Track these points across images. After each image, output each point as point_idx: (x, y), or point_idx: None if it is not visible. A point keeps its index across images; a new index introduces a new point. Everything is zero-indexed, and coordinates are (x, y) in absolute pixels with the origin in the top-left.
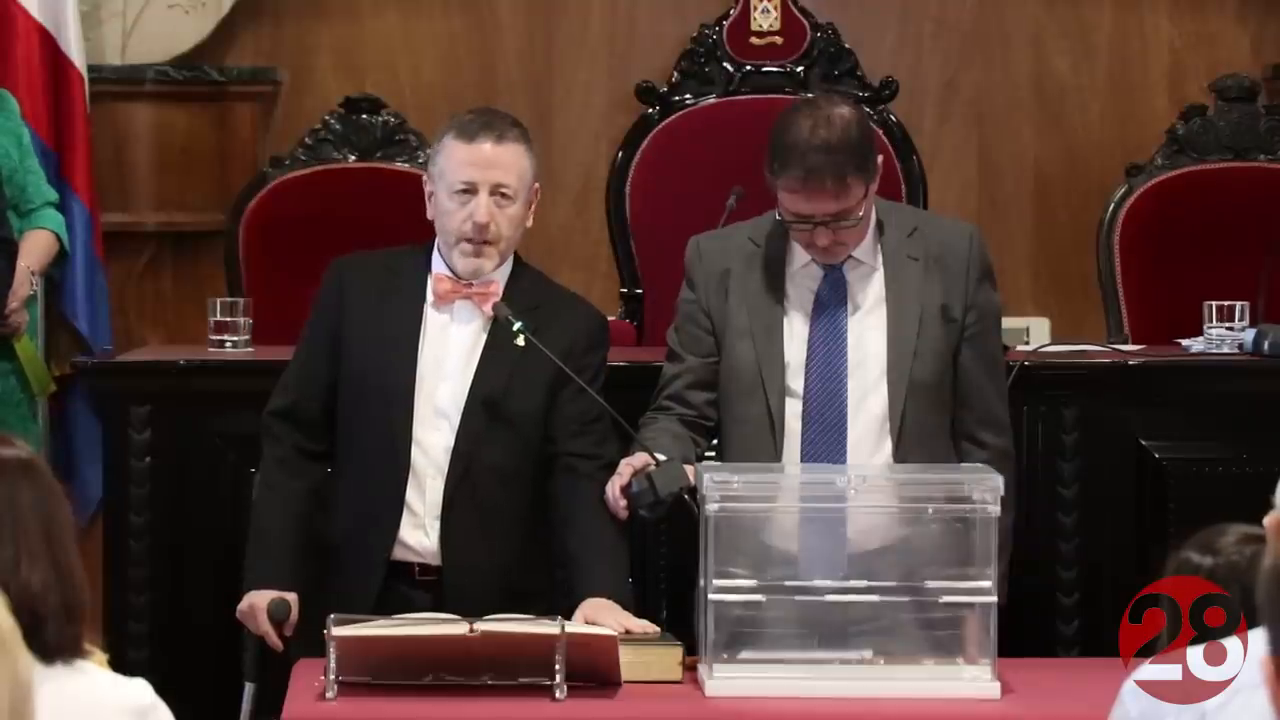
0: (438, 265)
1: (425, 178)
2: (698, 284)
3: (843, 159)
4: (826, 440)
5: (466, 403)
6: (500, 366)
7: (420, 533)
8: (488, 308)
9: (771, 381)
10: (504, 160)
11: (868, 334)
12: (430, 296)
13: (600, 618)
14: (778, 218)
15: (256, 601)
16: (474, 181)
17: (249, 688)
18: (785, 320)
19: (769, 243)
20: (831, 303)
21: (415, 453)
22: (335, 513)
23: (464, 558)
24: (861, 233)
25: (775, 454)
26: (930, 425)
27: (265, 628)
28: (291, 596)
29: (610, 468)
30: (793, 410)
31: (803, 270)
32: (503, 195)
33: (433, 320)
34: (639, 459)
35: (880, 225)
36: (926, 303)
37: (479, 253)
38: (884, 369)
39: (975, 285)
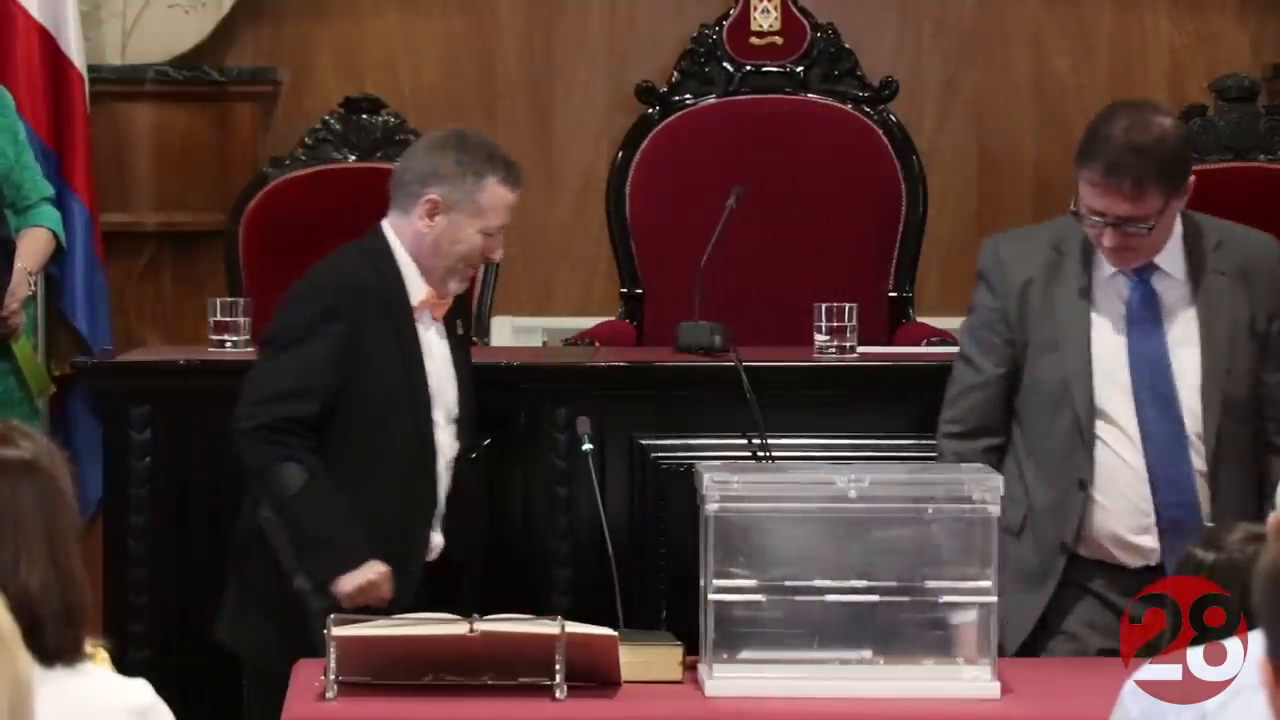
0: (411, 274)
1: (435, 196)
2: (998, 291)
3: (1148, 164)
4: (1169, 458)
5: (460, 403)
6: (462, 369)
7: (436, 531)
8: (438, 316)
9: (1080, 395)
10: None
11: (1180, 349)
12: (413, 306)
13: None
14: (1072, 209)
15: (382, 570)
16: (504, 225)
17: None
18: (1093, 332)
19: (1073, 250)
20: (1145, 317)
21: (438, 458)
22: (354, 518)
23: (457, 548)
24: (1154, 244)
25: (1089, 470)
26: (1242, 441)
27: (388, 595)
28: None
29: None
30: (1101, 425)
31: (1109, 280)
32: None
33: (419, 328)
34: None
35: (1187, 238)
36: (1237, 318)
37: (469, 279)
38: (1198, 385)
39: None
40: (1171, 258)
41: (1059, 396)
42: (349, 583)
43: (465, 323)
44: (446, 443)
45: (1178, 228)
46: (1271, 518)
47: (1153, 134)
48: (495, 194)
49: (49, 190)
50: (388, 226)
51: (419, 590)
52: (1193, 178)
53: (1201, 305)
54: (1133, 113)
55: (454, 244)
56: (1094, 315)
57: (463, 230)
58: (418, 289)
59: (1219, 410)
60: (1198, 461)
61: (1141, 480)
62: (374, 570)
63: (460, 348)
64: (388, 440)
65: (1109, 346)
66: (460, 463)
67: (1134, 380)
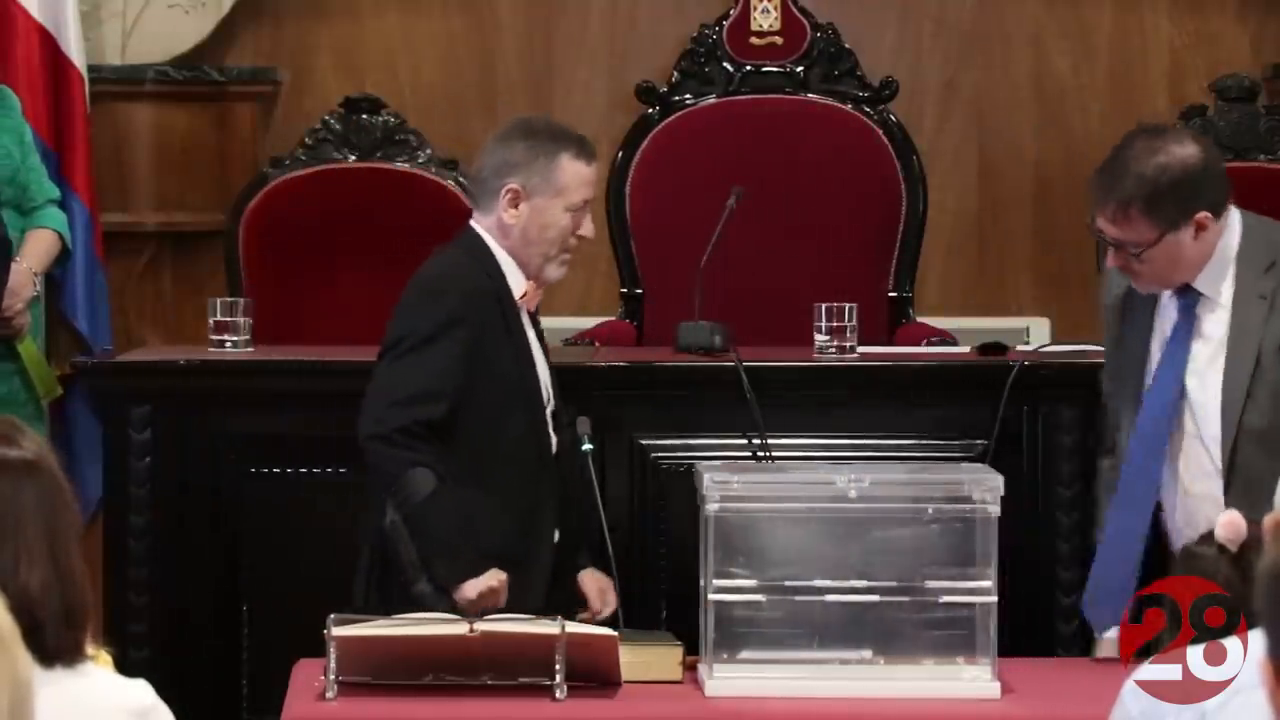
0: (511, 270)
1: (513, 185)
2: (1105, 304)
3: (1136, 192)
4: (1143, 477)
5: (553, 396)
6: (547, 363)
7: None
8: (531, 307)
9: (1126, 418)
10: None
11: (1210, 374)
12: (517, 297)
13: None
14: (1087, 222)
15: (502, 578)
16: (589, 200)
17: None
18: (1149, 354)
19: None
20: (1179, 338)
21: (553, 452)
22: (476, 523)
23: (547, 547)
24: (1157, 273)
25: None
26: (1263, 472)
27: (503, 602)
28: None
29: None
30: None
31: (1169, 302)
32: None
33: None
34: None
35: (1243, 259)
36: (1266, 342)
37: (568, 262)
38: (1219, 411)
39: None
40: (1214, 281)
41: (1129, 413)
42: (473, 589)
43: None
44: (550, 439)
45: (1232, 247)
46: (1268, 518)
47: (1156, 161)
48: (571, 169)
49: (55, 192)
50: (478, 226)
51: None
52: (1204, 214)
53: (1233, 329)
54: (1146, 138)
55: (543, 228)
56: (1151, 337)
57: (548, 212)
58: (518, 283)
59: (1234, 437)
60: (1216, 490)
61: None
62: (495, 577)
63: (540, 338)
64: (509, 439)
65: (1150, 367)
66: (566, 455)
67: (1143, 410)
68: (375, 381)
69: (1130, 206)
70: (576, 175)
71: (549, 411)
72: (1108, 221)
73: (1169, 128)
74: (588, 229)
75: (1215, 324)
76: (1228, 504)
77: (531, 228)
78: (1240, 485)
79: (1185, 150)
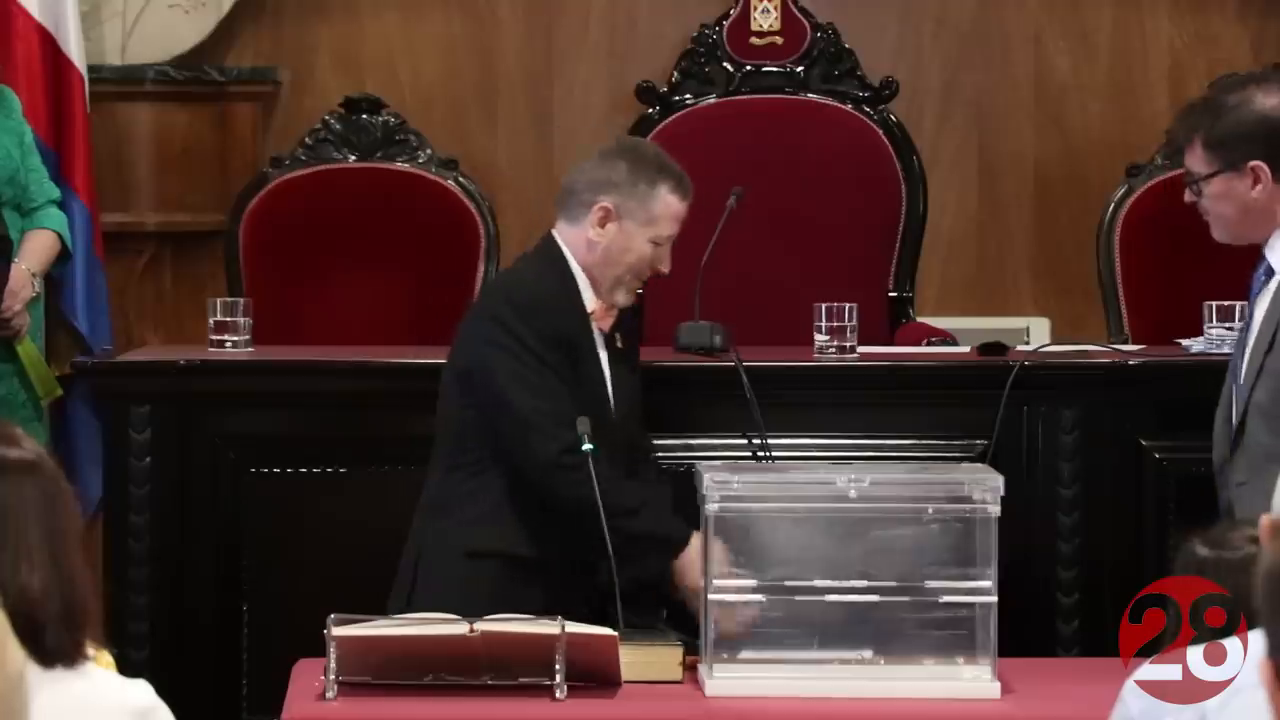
0: (585, 287)
1: (607, 204)
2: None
3: (1201, 122)
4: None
5: (619, 416)
6: (619, 385)
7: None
8: (605, 328)
9: (1225, 397)
10: None
11: (1252, 347)
12: (588, 321)
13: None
14: None
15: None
16: (674, 236)
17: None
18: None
19: None
20: (1249, 315)
21: None
22: (527, 528)
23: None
24: (1219, 216)
25: None
26: (1266, 447)
27: None
28: None
29: None
30: None
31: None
32: None
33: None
34: None
35: None
36: None
37: (636, 291)
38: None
39: None
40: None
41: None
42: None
43: (625, 338)
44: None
45: None
46: (1264, 519)
47: (1230, 99)
48: (666, 203)
49: (55, 193)
50: (559, 237)
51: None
52: (1259, 164)
53: (1273, 302)
54: (1240, 78)
55: (624, 253)
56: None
57: (633, 239)
58: (590, 299)
59: (1244, 410)
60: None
61: None
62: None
63: (617, 361)
64: None
65: None
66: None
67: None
68: (520, 408)
69: (1195, 135)
70: (669, 209)
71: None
72: (1184, 150)
73: (1272, 74)
74: (666, 265)
75: (1270, 298)
76: (1229, 474)
77: (614, 249)
78: (1245, 459)
79: (1267, 98)
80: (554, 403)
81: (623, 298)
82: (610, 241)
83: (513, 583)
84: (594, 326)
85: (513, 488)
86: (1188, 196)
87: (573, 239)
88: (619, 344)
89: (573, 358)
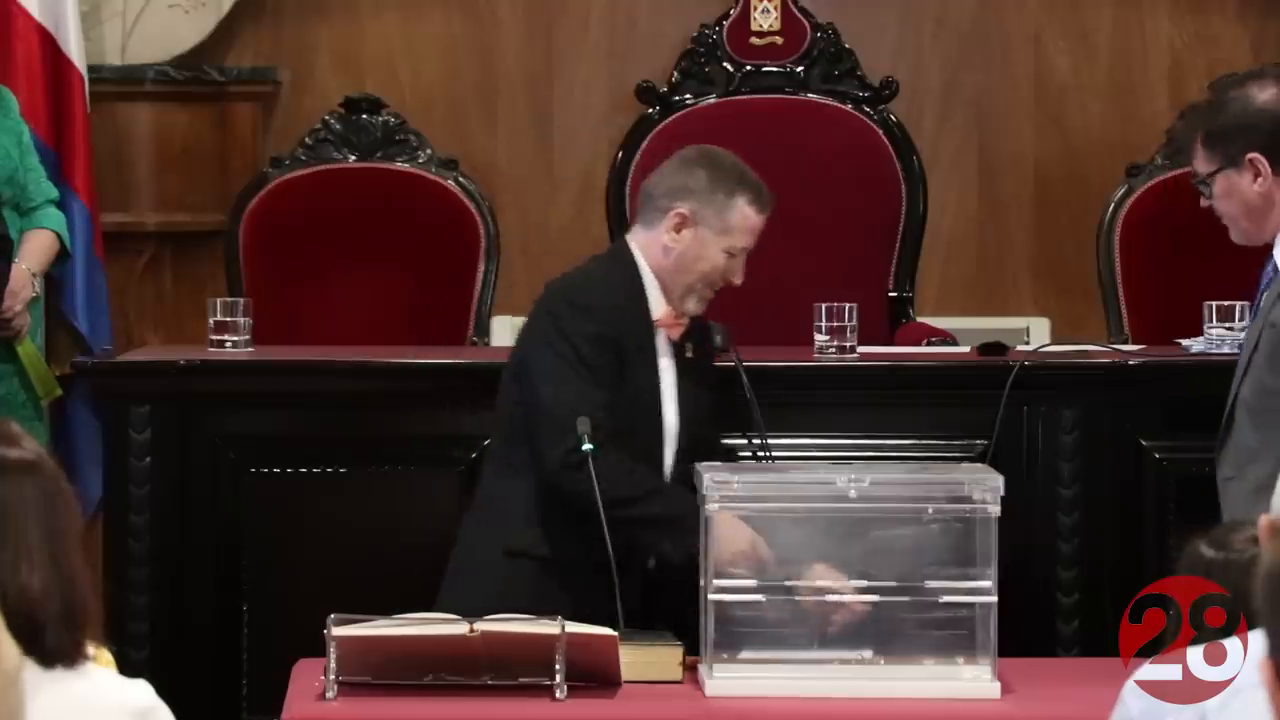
0: (653, 291)
1: (684, 210)
2: None
3: (1200, 122)
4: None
5: (680, 426)
6: (684, 394)
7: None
8: (674, 336)
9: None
10: None
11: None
12: (654, 319)
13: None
14: None
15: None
16: (749, 248)
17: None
18: None
19: None
20: (1253, 310)
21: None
22: (559, 528)
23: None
24: (1229, 215)
25: None
26: (1246, 445)
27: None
28: None
29: None
30: None
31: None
32: None
33: (657, 346)
34: None
35: None
36: (1274, 313)
37: (709, 300)
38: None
39: None
40: None
41: None
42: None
43: (697, 348)
44: (667, 462)
45: None
46: (1263, 519)
47: (1226, 97)
48: (744, 214)
49: (53, 193)
50: (632, 241)
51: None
52: (1256, 155)
53: (1266, 296)
54: (1239, 76)
55: (697, 260)
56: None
57: (708, 247)
58: (658, 305)
59: (1232, 404)
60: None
61: None
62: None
63: (685, 372)
64: (627, 450)
65: None
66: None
67: None
68: (546, 404)
69: (1195, 136)
70: (746, 221)
71: (671, 438)
72: (1190, 154)
73: (1268, 69)
74: (738, 277)
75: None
76: (1219, 470)
77: (688, 256)
78: (1231, 455)
79: (1261, 92)
80: (581, 403)
81: (693, 305)
82: (685, 248)
83: (548, 583)
84: (659, 334)
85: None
86: (1203, 201)
87: (647, 244)
88: (689, 354)
89: (623, 361)
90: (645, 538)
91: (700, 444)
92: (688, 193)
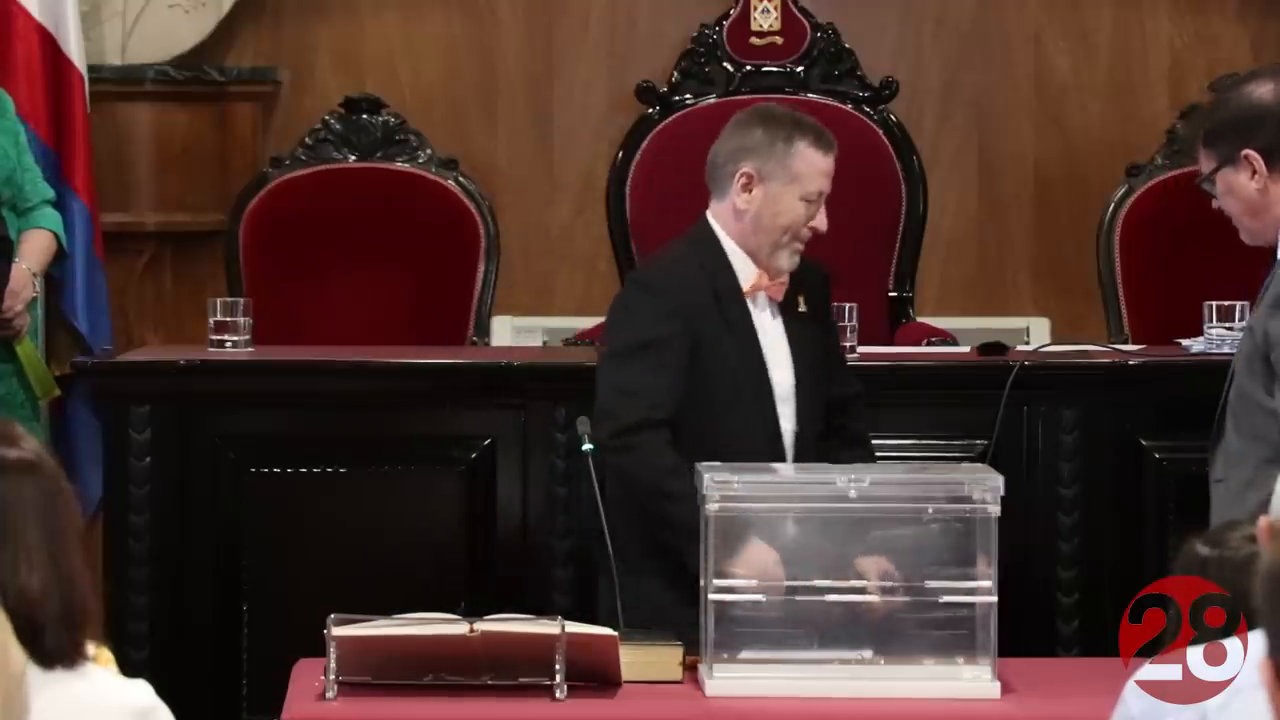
0: (739, 260)
1: (748, 169)
2: None
3: (1201, 121)
4: None
5: (796, 387)
6: (803, 349)
7: None
8: (777, 296)
9: None
10: None
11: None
12: (744, 290)
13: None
14: None
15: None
16: (824, 192)
17: None
18: None
19: None
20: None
21: (783, 440)
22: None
23: None
24: (1234, 214)
25: None
26: (1231, 441)
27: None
28: None
29: None
30: None
31: None
32: None
33: (753, 312)
34: None
35: None
36: (1259, 312)
37: (801, 251)
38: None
39: (1267, 309)
40: None
41: None
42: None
43: (810, 298)
44: (788, 426)
45: None
46: (1263, 520)
47: (1227, 94)
48: (807, 157)
49: (50, 193)
50: (711, 215)
51: None
52: (1250, 152)
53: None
54: (1244, 75)
55: (775, 215)
56: None
57: (781, 199)
58: (747, 273)
59: (1223, 406)
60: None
61: None
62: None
63: (803, 325)
64: (736, 430)
65: None
66: (804, 442)
67: None
68: (602, 384)
69: (1198, 134)
70: (812, 164)
71: (785, 397)
72: (1194, 153)
73: (1267, 68)
74: (821, 221)
75: None
76: (1211, 471)
77: (764, 214)
78: (1222, 457)
79: (1258, 89)
80: (633, 386)
81: (785, 261)
82: (759, 207)
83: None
84: (757, 298)
85: None
86: (1214, 203)
87: (722, 213)
88: (801, 307)
89: (702, 335)
90: (663, 535)
91: (836, 396)
92: (747, 151)
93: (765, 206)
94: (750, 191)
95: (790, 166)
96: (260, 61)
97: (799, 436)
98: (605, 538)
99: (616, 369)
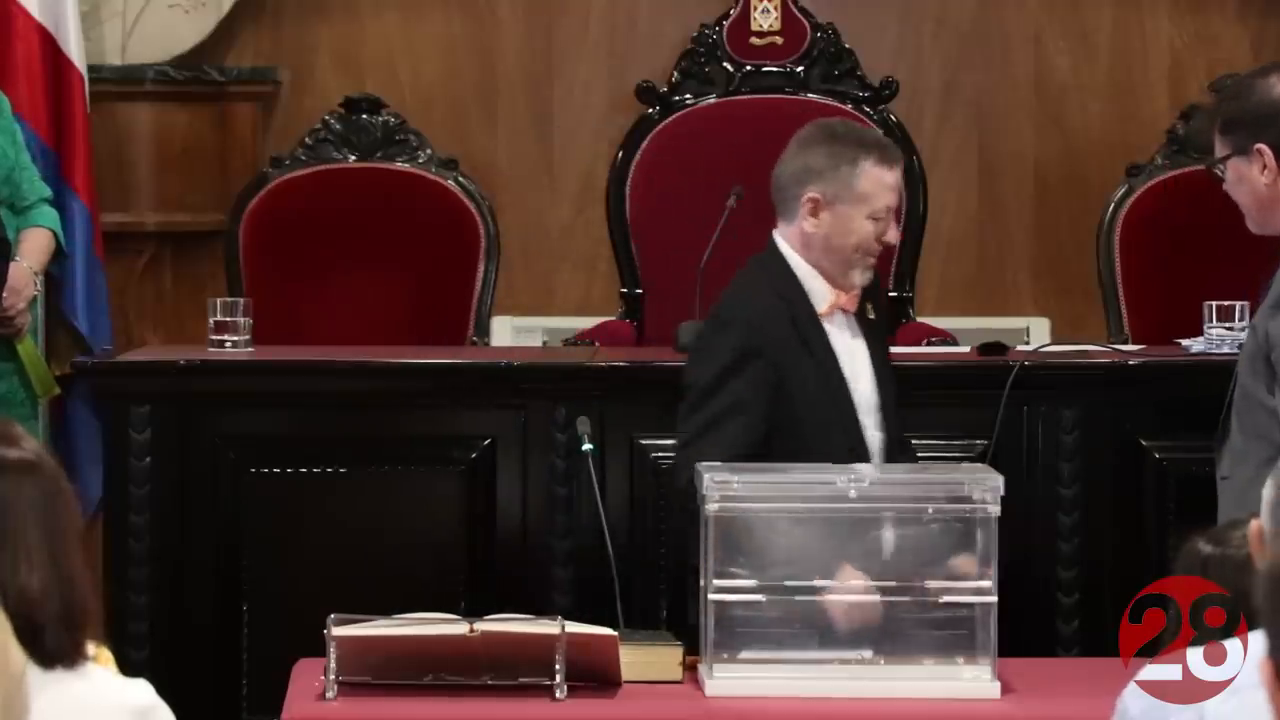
0: (811, 281)
1: (814, 193)
2: None
3: (1219, 108)
4: None
5: (880, 400)
6: (880, 357)
7: None
8: (851, 308)
9: None
10: None
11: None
12: (821, 310)
13: None
14: None
15: None
16: (892, 207)
17: None
18: None
19: None
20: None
21: (872, 458)
22: None
23: None
24: (1243, 203)
25: None
26: (1235, 440)
27: None
28: None
29: None
30: None
31: None
32: None
33: (830, 332)
34: None
35: None
36: (1258, 322)
37: (873, 265)
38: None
39: (1269, 309)
40: None
41: None
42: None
43: (876, 305)
44: (874, 437)
45: None
46: (1253, 524)
47: (1247, 84)
48: (873, 176)
49: (47, 191)
50: (779, 237)
51: None
52: (1263, 146)
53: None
54: (1266, 66)
55: (846, 236)
56: None
57: (851, 220)
58: (820, 294)
59: (1228, 405)
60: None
61: None
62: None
63: (875, 332)
64: (825, 452)
65: None
66: (890, 447)
67: None
68: (684, 428)
69: (1215, 120)
70: (879, 182)
71: (870, 411)
72: (1210, 135)
73: None
74: (893, 235)
75: None
76: (1217, 469)
77: (834, 236)
78: (1228, 456)
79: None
80: (729, 419)
81: (859, 278)
82: (828, 230)
83: None
84: (833, 318)
85: None
86: (1224, 185)
87: (791, 235)
88: (871, 314)
89: (782, 362)
90: None
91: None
92: (813, 174)
93: (834, 229)
94: (818, 216)
95: (856, 187)
96: (260, 61)
97: (885, 444)
98: (605, 536)
99: (704, 413)
